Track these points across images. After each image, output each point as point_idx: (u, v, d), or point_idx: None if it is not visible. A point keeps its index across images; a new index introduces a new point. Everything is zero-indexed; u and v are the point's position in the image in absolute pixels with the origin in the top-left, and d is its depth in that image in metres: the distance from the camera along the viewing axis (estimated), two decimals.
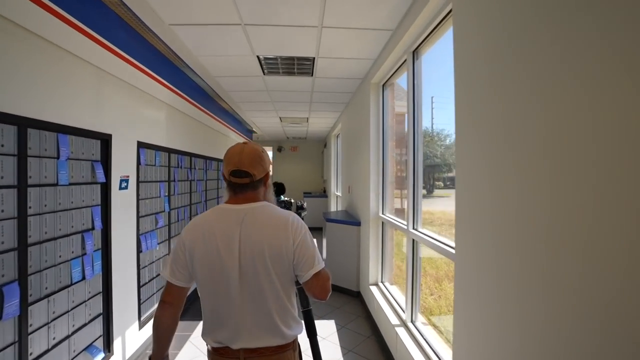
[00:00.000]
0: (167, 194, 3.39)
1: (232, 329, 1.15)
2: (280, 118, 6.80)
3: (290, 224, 1.19)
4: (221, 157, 5.40)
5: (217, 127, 5.29)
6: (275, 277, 1.15)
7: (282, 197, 2.43)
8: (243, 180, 1.19)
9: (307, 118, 6.79)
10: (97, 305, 2.23)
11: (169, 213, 3.46)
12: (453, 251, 1.70)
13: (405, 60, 2.79)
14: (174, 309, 1.21)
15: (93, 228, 2.17)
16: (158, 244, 3.16)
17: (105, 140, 2.31)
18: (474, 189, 1.43)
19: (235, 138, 6.73)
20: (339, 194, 7.43)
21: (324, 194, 10.02)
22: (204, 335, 1.22)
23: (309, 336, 1.65)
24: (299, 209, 2.48)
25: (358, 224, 4.22)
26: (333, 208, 8.21)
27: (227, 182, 1.22)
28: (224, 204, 1.23)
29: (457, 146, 1.58)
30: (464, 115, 1.52)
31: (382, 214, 3.58)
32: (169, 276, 1.19)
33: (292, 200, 2.60)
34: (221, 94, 4.68)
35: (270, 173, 1.32)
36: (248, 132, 8.29)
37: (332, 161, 8.30)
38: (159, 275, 3.25)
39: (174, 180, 3.58)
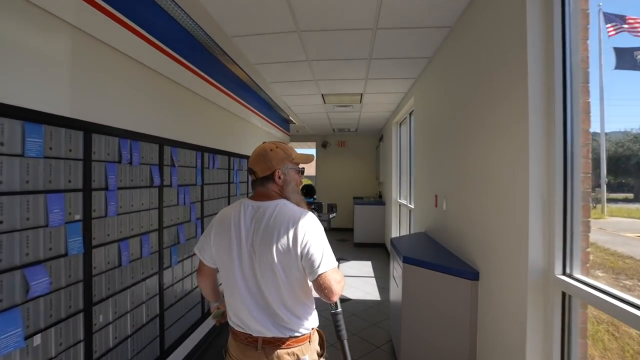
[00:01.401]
0: (80, 218, 1.62)
1: (245, 316, 1.21)
2: (323, 97, 4.87)
3: (300, 222, 1.19)
4: (238, 150, 3.41)
5: (227, 105, 3.51)
6: (283, 273, 1.17)
7: (312, 199, 2.14)
8: (251, 176, 1.32)
9: (361, 95, 4.78)
10: None
11: (86, 256, 1.67)
12: None
13: None
14: (207, 279, 1.38)
15: None
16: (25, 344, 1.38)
17: None
18: None
19: (262, 126, 4.94)
20: (404, 202, 5.31)
21: (379, 200, 7.90)
22: (228, 315, 1.31)
23: (338, 339, 1.46)
24: (330, 209, 2.43)
25: (473, 276, 2.11)
26: (395, 223, 6.03)
27: None
28: (247, 198, 1.31)
29: None
30: None
31: (566, 273, 1.45)
32: (198, 253, 1.33)
33: (323, 203, 2.45)
34: (224, 44, 2.87)
35: (282, 170, 1.29)
36: (283, 121, 6.50)
37: (394, 157, 6.17)
38: None
39: (107, 188, 1.81)
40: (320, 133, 8.94)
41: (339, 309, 1.44)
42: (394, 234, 5.88)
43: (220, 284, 1.34)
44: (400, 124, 5.82)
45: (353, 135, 9.09)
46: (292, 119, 6.65)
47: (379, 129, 7.95)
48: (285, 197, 1.29)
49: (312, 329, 1.28)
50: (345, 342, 1.45)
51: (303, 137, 9.27)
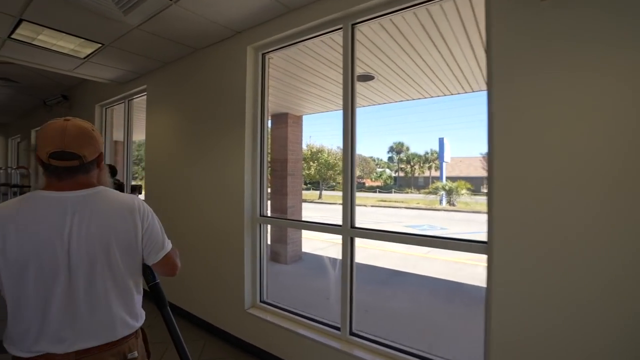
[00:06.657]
0: None
1: (60, 334, 1.01)
2: None
3: (137, 209, 1.13)
4: None
5: None
6: (125, 269, 1.10)
7: (113, 178, 2.00)
8: (71, 163, 1.05)
9: None
10: None
11: None
12: None
13: None
14: None
15: None
16: None
17: None
18: None
19: None
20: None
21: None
22: (10, 344, 1.02)
23: (159, 308, 1.46)
24: (133, 191, 2.08)
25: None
26: None
27: (46, 165, 1.03)
28: (42, 190, 1.04)
29: None
30: None
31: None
32: None
33: (123, 182, 2.09)
34: None
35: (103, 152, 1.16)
36: None
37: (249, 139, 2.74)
38: None
39: None
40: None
41: (158, 279, 1.40)
42: None
43: None
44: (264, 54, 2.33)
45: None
46: None
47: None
48: (102, 184, 1.15)
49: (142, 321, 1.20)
50: (168, 309, 1.41)
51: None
